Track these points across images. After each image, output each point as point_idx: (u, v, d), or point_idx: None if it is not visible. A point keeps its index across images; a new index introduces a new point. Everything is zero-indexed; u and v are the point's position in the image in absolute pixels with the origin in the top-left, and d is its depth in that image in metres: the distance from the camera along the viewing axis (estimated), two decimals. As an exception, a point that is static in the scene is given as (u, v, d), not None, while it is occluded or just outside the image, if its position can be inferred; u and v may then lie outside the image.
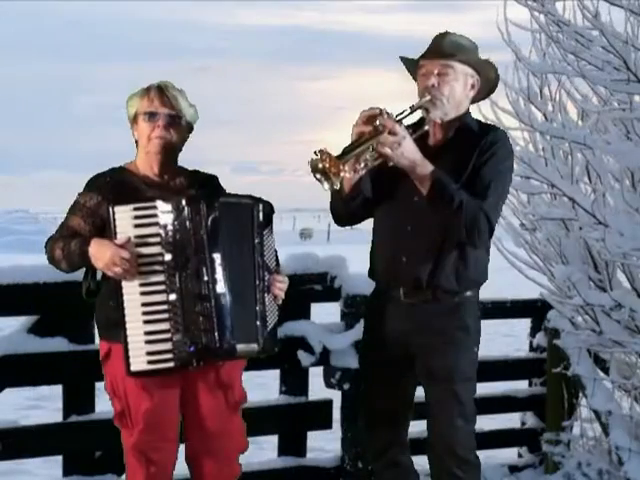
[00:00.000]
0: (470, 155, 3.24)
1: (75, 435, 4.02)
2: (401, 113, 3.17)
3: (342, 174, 2.95)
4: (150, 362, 3.01)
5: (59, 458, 4.10)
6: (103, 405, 4.31)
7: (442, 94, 3.25)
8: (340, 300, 4.46)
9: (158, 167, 3.20)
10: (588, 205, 4.35)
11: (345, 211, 3.37)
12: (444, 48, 3.27)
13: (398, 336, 3.33)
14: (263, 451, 4.99)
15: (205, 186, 3.27)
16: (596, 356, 4.87)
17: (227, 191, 3.33)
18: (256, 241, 3.13)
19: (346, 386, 4.37)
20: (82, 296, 3.79)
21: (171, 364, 3.02)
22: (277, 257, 3.27)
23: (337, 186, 2.96)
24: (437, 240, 3.25)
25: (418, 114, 3.32)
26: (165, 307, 3.01)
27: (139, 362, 3.01)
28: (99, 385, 4.16)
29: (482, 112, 4.76)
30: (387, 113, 3.09)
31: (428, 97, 3.25)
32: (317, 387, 4.50)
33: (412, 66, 3.37)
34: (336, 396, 4.50)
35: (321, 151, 2.92)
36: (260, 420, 4.25)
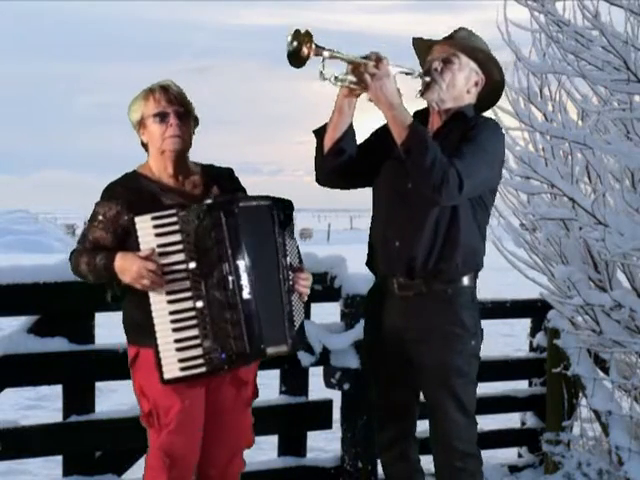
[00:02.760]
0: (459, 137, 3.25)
1: (75, 435, 4.01)
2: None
3: (309, 54, 2.94)
4: (183, 369, 3.02)
5: (59, 458, 4.10)
6: (103, 405, 4.32)
7: (443, 80, 3.28)
8: (340, 300, 4.47)
9: (173, 166, 3.19)
10: (588, 205, 4.35)
11: (325, 168, 3.35)
12: (456, 38, 3.31)
13: (393, 332, 3.33)
14: (263, 451, 4.99)
15: (222, 182, 3.26)
16: (596, 356, 4.87)
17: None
18: (278, 242, 3.13)
19: (346, 386, 4.37)
20: (82, 296, 3.80)
21: (203, 369, 3.04)
22: (300, 254, 3.27)
23: (297, 65, 2.96)
24: (428, 225, 3.25)
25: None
26: (193, 314, 3.03)
27: (172, 370, 3.02)
28: (99, 385, 4.17)
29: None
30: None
31: (428, 78, 3.28)
32: (317, 387, 4.50)
33: (423, 51, 3.39)
34: (336, 396, 4.50)
35: (308, 32, 2.94)
36: (260, 420, 4.24)
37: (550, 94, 4.93)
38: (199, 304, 3.02)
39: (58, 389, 4.09)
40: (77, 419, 4.00)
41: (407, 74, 3.27)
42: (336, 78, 3.13)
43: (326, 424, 4.52)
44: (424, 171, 3.09)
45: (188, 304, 3.03)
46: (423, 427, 3.58)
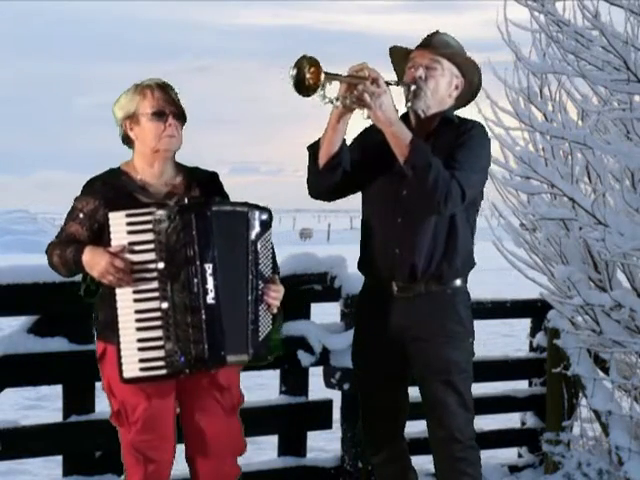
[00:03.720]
0: (450, 143, 3.29)
1: (75, 435, 4.02)
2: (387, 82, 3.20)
3: (319, 88, 2.97)
4: (142, 369, 3.00)
5: (59, 458, 4.10)
6: (103, 405, 4.31)
7: (427, 87, 3.31)
8: (340, 300, 4.46)
9: (161, 166, 3.18)
10: (588, 205, 4.35)
11: (320, 183, 3.36)
12: (435, 44, 3.34)
13: (393, 332, 3.36)
14: (263, 451, 5.00)
15: (204, 185, 3.24)
16: (596, 356, 4.87)
17: (226, 190, 3.32)
18: (250, 249, 3.09)
19: (346, 386, 4.37)
20: (81, 295, 3.79)
21: (163, 372, 3.01)
22: (275, 264, 3.23)
23: (305, 95, 2.97)
24: (427, 230, 3.30)
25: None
26: (158, 314, 3.01)
27: (132, 369, 3.00)
28: (99, 385, 4.16)
29: (482, 112, 4.77)
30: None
31: (414, 86, 3.30)
32: (317, 387, 4.50)
33: (400, 58, 3.41)
34: (336, 396, 4.50)
35: (312, 58, 2.95)
36: (260, 420, 4.25)
37: (550, 94, 4.93)
38: (164, 305, 3.00)
39: (58, 389, 4.09)
40: (77, 419, 4.01)
41: (397, 84, 3.30)
42: (336, 99, 3.13)
43: (326, 424, 4.52)
44: (429, 187, 3.14)
45: (154, 304, 3.01)
46: (421, 427, 3.58)
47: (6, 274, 3.86)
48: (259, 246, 3.12)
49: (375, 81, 3.10)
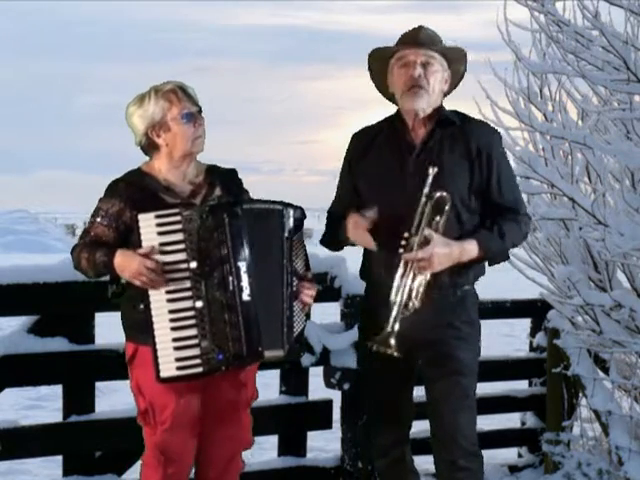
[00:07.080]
0: (465, 150, 3.27)
1: (75, 435, 4.01)
2: (422, 210, 3.17)
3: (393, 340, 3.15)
4: (179, 368, 3.02)
5: (59, 458, 4.10)
6: (103, 405, 4.32)
7: (428, 84, 3.22)
8: (340, 300, 4.46)
9: (187, 167, 3.20)
10: (588, 205, 4.35)
11: (344, 246, 3.51)
12: (423, 40, 3.23)
13: (404, 333, 3.32)
14: (263, 451, 4.99)
15: (225, 182, 3.26)
16: (596, 356, 4.87)
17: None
18: (285, 246, 3.11)
19: (346, 386, 4.37)
20: (82, 296, 3.79)
21: (200, 369, 3.03)
22: (308, 261, 3.26)
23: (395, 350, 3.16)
24: None
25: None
26: (192, 313, 3.02)
27: (169, 368, 3.02)
28: (99, 385, 4.17)
29: (482, 112, 4.76)
30: (404, 246, 3.15)
31: (416, 88, 3.20)
32: (317, 387, 4.49)
33: (382, 64, 3.30)
34: (336, 396, 4.50)
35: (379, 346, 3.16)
36: (260, 420, 4.24)
37: (550, 94, 4.93)
38: (199, 304, 3.02)
39: (58, 389, 4.09)
40: (77, 419, 4.00)
41: (427, 201, 3.18)
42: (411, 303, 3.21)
43: (326, 424, 4.52)
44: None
45: (187, 303, 3.02)
46: (422, 427, 3.58)
47: (6, 274, 3.85)
48: (293, 243, 3.15)
49: (420, 260, 3.13)
